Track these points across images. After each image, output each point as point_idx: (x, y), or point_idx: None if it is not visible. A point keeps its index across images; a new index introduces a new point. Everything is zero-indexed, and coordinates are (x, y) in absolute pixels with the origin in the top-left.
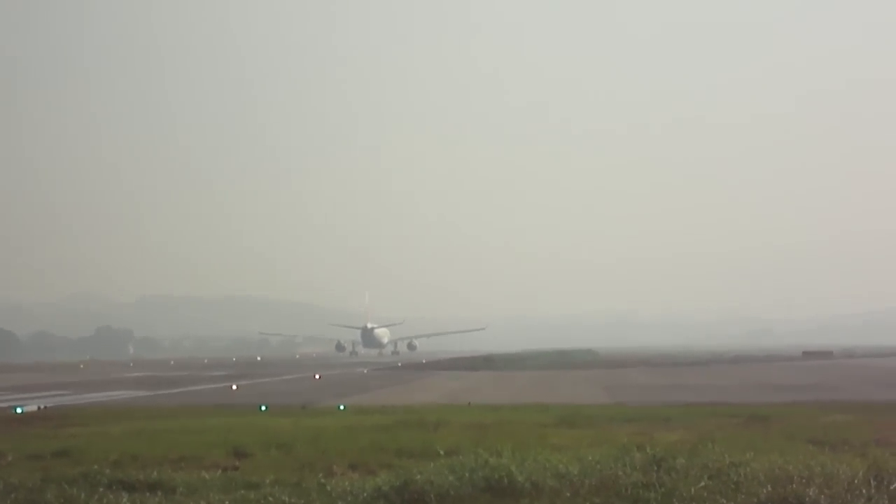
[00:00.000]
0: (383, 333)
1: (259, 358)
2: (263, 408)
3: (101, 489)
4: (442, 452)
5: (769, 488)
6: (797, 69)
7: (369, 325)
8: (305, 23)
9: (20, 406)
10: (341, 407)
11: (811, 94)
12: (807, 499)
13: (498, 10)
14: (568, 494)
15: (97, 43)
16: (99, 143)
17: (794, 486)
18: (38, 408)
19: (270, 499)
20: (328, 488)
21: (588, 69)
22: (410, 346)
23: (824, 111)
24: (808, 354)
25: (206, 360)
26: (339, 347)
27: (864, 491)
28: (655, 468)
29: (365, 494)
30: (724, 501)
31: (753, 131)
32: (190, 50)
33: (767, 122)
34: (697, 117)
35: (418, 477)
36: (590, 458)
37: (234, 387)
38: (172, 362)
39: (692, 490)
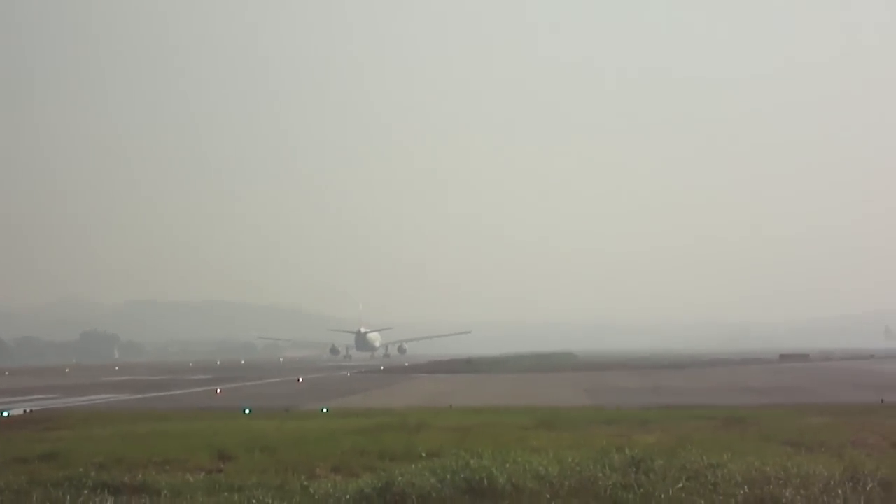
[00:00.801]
0: (375, 338)
1: (243, 362)
2: (247, 411)
3: (86, 492)
4: (423, 454)
5: (746, 489)
6: (786, 71)
7: (363, 330)
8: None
9: (6, 410)
10: (324, 410)
11: (807, 90)
12: (783, 499)
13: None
14: (548, 496)
15: (90, 44)
16: (85, 148)
17: (771, 487)
18: (24, 411)
19: (254, 501)
20: (311, 490)
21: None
22: (401, 350)
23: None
24: (785, 357)
25: (190, 364)
26: (334, 351)
27: (840, 492)
28: (634, 470)
29: (347, 496)
30: (702, 502)
31: (739, 131)
32: (181, 49)
33: (755, 122)
34: (682, 117)
35: (400, 479)
36: (569, 459)
37: (218, 390)
38: (157, 366)
39: (670, 491)
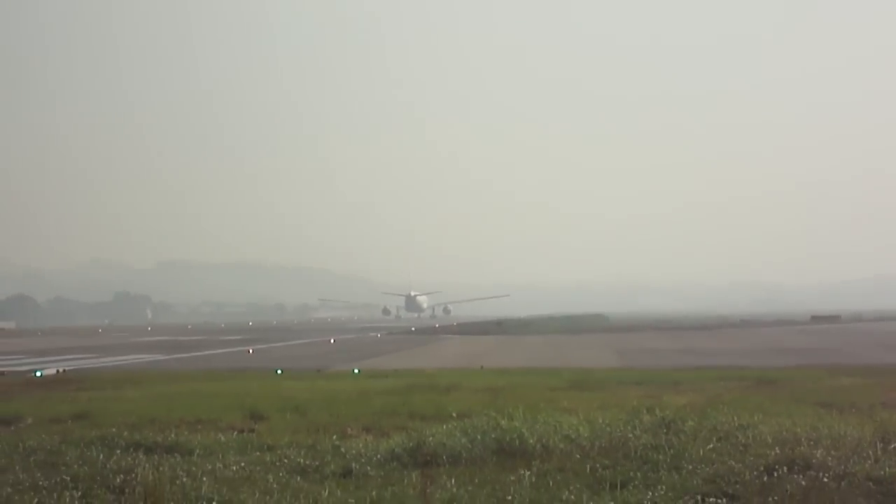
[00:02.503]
0: (423, 300)
1: (275, 322)
2: (279, 371)
3: (119, 451)
4: (454, 415)
5: (777, 450)
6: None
7: (412, 293)
8: None
9: (39, 370)
10: (356, 370)
11: (820, 59)
12: (814, 460)
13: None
14: (578, 456)
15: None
16: (118, 109)
17: (802, 447)
18: (57, 371)
19: (285, 460)
20: (342, 450)
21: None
22: (446, 311)
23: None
24: (817, 318)
25: (222, 325)
26: (385, 312)
27: (870, 452)
28: (665, 430)
29: (378, 456)
30: (733, 463)
31: (760, 94)
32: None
33: (774, 85)
34: (699, 82)
35: (431, 439)
36: (600, 420)
37: (251, 351)
38: (189, 327)
39: (701, 452)
